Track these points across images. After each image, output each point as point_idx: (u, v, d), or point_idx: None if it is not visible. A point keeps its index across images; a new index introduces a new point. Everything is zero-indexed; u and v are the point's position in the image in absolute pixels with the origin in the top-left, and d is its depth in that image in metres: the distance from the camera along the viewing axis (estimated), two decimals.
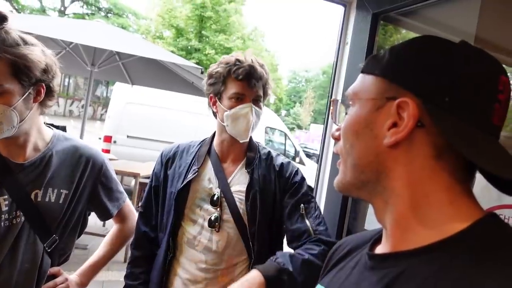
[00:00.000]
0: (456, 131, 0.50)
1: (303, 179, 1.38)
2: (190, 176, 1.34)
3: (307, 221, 1.27)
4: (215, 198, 1.32)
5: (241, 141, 1.34)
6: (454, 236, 0.49)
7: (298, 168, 1.41)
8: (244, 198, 1.31)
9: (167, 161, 1.42)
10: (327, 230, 1.28)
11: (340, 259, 0.70)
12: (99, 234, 3.87)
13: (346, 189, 0.62)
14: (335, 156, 1.57)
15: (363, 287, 0.56)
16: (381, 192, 0.56)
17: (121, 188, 1.40)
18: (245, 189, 1.31)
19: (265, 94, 1.37)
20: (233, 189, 1.33)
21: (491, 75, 0.52)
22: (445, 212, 0.51)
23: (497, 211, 1.11)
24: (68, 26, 4.47)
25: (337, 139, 0.63)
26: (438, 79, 0.52)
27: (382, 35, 1.54)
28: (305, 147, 14.80)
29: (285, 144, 8.34)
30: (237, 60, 1.32)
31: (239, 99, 1.30)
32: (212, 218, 1.30)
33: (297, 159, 8.23)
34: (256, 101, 1.33)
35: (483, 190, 1.13)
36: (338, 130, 0.63)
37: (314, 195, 1.67)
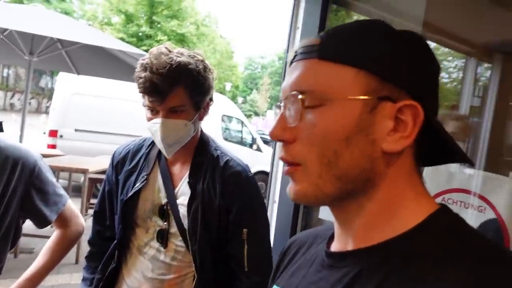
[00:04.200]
0: (443, 130, 0.50)
1: (254, 197, 1.20)
2: (138, 185, 1.21)
3: (244, 250, 1.15)
4: (163, 210, 1.20)
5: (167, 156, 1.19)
6: (409, 231, 0.48)
7: (251, 180, 1.22)
8: (186, 212, 1.17)
9: (116, 165, 1.30)
10: (263, 266, 1.15)
11: (294, 258, 0.66)
12: (46, 236, 3.63)
13: (319, 201, 0.52)
14: None
15: (322, 287, 0.53)
16: (358, 197, 0.51)
17: (60, 190, 1.28)
18: (187, 202, 1.18)
19: (196, 92, 1.14)
20: (178, 201, 1.19)
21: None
22: (410, 208, 0.51)
23: (446, 195, 1.14)
24: (1, 12, 4.11)
25: (289, 141, 0.51)
26: (426, 80, 0.51)
27: (335, 20, 1.52)
28: (263, 134, 14.87)
29: (242, 132, 8.31)
30: (141, 65, 1.10)
31: (153, 111, 1.14)
32: (159, 233, 1.20)
33: (254, 146, 8.22)
34: (174, 112, 1.12)
35: (433, 175, 1.16)
36: (288, 130, 0.51)
37: (269, 180, 1.65)
